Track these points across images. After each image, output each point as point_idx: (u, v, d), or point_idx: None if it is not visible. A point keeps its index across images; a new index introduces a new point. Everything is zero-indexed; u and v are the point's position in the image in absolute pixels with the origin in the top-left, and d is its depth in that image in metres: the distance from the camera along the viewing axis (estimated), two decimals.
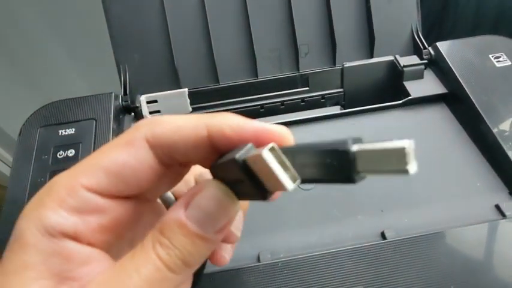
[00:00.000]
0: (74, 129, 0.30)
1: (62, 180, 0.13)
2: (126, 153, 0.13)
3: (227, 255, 0.17)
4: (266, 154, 0.11)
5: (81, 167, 0.13)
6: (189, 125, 0.13)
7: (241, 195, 0.13)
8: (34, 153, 0.29)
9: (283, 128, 0.13)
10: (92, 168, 0.13)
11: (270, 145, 0.11)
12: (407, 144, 0.09)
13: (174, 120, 0.13)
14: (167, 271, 0.12)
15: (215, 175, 0.14)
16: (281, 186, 0.11)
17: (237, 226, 0.17)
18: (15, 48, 0.80)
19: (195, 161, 0.14)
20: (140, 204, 0.15)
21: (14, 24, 0.76)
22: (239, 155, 0.12)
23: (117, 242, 0.14)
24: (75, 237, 0.13)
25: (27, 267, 0.12)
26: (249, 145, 0.12)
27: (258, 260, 0.24)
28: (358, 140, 0.10)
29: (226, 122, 0.13)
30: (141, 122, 0.14)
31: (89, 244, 0.13)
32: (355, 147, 0.10)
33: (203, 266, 0.18)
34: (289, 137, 0.13)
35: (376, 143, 0.10)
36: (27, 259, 0.12)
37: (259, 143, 0.12)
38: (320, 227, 0.26)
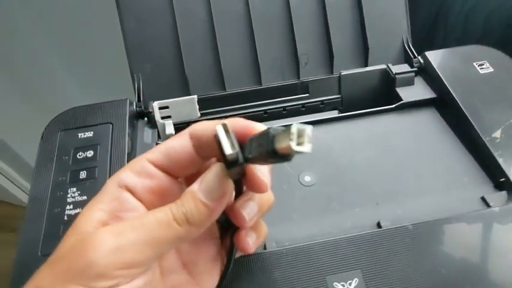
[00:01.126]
0: (92, 133, 0.32)
1: (137, 157, 0.20)
2: (175, 140, 0.19)
3: (252, 242, 0.21)
4: (218, 128, 0.16)
5: (151, 150, 0.20)
6: (212, 124, 0.18)
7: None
8: (55, 154, 0.31)
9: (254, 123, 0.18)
10: (155, 149, 0.19)
11: (224, 123, 0.16)
12: (294, 127, 0.14)
13: (206, 122, 0.19)
14: (172, 219, 0.17)
15: (219, 160, 0.19)
16: (223, 151, 0.16)
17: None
18: (17, 60, 0.83)
19: (215, 152, 0.18)
20: (177, 183, 0.20)
21: (26, 45, 0.80)
22: (215, 132, 0.17)
23: (157, 205, 0.18)
24: (132, 191, 0.18)
25: (99, 202, 0.18)
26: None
27: (265, 248, 0.26)
28: (277, 129, 0.15)
29: (233, 123, 0.18)
30: (193, 124, 0.20)
31: (139, 199, 0.18)
32: (273, 131, 0.15)
33: (229, 263, 0.21)
34: (256, 126, 0.18)
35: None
36: (102, 198, 0.18)
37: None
38: (321, 218, 0.28)
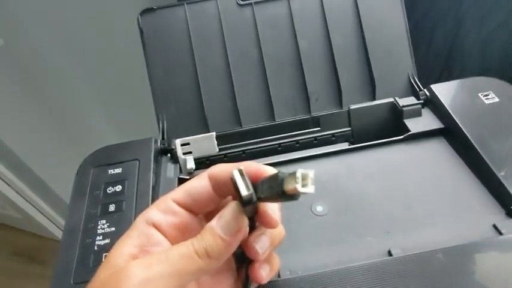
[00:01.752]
0: (121, 169, 0.36)
1: (162, 196, 0.22)
2: (196, 181, 0.22)
3: (265, 274, 0.22)
4: (235, 172, 0.19)
5: (174, 190, 0.22)
6: (228, 167, 0.21)
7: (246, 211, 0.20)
8: (88, 189, 0.35)
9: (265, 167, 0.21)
10: (178, 189, 0.22)
11: (240, 168, 0.19)
12: (298, 172, 0.16)
13: (223, 165, 0.22)
14: (194, 252, 0.19)
15: (234, 198, 0.21)
16: (239, 194, 0.18)
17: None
18: (54, 99, 0.91)
19: (231, 191, 0.21)
20: (197, 219, 0.22)
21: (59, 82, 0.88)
22: (231, 176, 0.19)
23: (180, 239, 0.20)
24: (158, 228, 0.20)
25: (129, 237, 0.20)
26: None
27: (279, 276, 0.27)
28: (285, 173, 0.17)
29: (246, 166, 0.20)
30: (212, 167, 0.22)
31: (164, 234, 0.21)
32: (281, 174, 0.17)
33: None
34: (267, 170, 0.20)
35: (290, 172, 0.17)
36: (131, 233, 0.20)
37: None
38: (333, 248, 0.29)
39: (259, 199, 0.19)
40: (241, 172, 0.19)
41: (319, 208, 0.32)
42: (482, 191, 0.31)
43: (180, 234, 0.21)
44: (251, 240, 0.21)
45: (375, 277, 0.25)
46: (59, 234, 1.30)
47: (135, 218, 0.31)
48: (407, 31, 0.40)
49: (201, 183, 0.22)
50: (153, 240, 0.20)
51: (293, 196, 0.17)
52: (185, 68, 0.41)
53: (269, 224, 0.21)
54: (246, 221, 0.20)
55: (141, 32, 0.41)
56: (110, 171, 0.36)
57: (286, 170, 0.18)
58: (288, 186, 0.17)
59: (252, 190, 0.19)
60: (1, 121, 0.86)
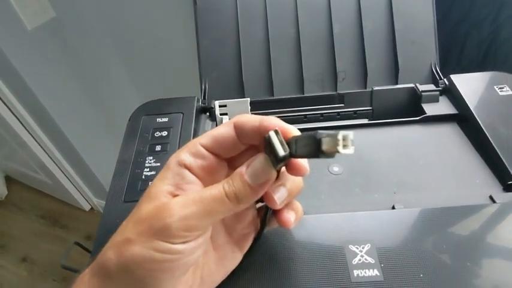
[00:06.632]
0: (167, 118, 0.41)
1: (192, 140, 0.24)
2: (222, 129, 0.24)
3: (292, 219, 0.25)
4: (271, 133, 0.20)
5: (202, 135, 0.24)
6: (252, 118, 0.23)
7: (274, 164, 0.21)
8: (139, 132, 0.41)
9: (289, 126, 0.22)
10: (206, 135, 0.24)
11: (275, 129, 0.20)
12: (340, 134, 0.17)
13: (248, 115, 0.23)
14: (224, 195, 0.21)
15: (264, 151, 0.22)
16: (276, 153, 0.20)
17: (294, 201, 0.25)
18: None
19: (253, 139, 0.23)
20: (222, 162, 0.24)
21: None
22: (266, 135, 0.21)
23: (207, 179, 0.24)
24: (189, 168, 0.23)
25: (165, 177, 0.22)
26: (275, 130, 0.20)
27: None
28: (323, 133, 0.18)
29: (270, 121, 0.22)
30: (236, 116, 0.24)
31: (195, 175, 0.23)
32: (319, 135, 0.18)
33: (262, 229, 0.26)
34: (292, 129, 0.22)
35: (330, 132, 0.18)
36: (166, 174, 0.23)
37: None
38: (344, 200, 0.34)
39: (292, 156, 0.20)
40: (276, 132, 0.20)
41: (336, 168, 0.37)
42: (485, 170, 0.35)
43: (207, 175, 0.23)
44: (270, 190, 0.23)
45: (377, 224, 0.30)
46: (82, 202, 1.40)
47: None
48: (434, 23, 0.44)
49: (226, 130, 0.23)
50: (186, 179, 0.22)
51: (331, 155, 0.18)
52: (230, 39, 0.46)
53: (299, 172, 0.22)
54: (274, 174, 0.22)
55: (195, 3, 0.46)
56: (158, 119, 0.42)
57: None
58: (328, 147, 0.17)
59: (288, 150, 0.20)
60: (46, 91, 0.93)
